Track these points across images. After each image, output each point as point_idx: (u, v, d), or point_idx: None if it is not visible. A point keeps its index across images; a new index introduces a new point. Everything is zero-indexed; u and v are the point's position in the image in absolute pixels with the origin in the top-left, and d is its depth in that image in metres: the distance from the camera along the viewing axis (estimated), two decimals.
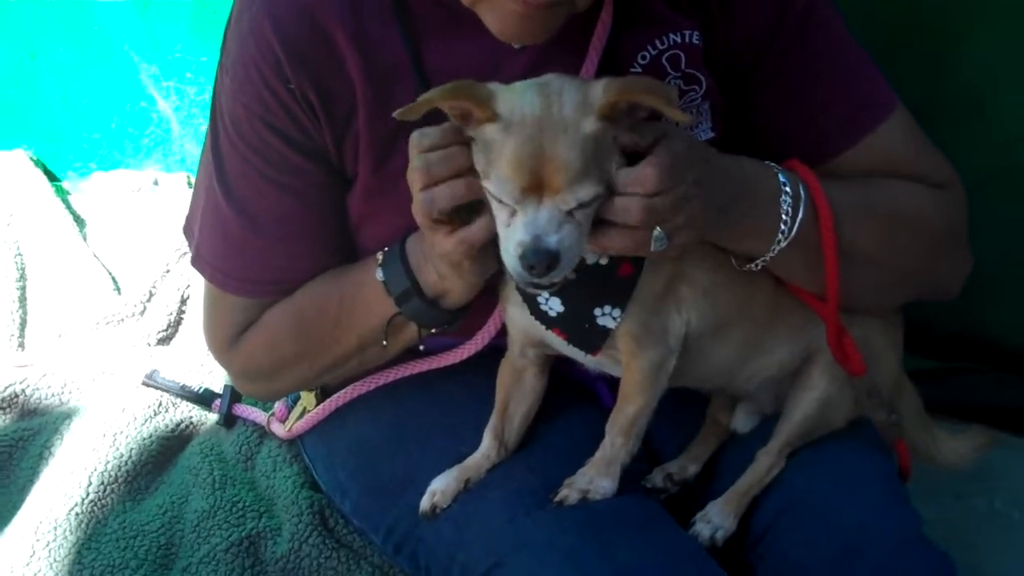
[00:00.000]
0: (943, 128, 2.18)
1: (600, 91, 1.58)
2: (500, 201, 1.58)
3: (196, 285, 2.86)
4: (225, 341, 2.06)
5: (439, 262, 1.76)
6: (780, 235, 1.79)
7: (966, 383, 2.81)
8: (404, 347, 1.99)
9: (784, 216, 1.78)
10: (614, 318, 1.78)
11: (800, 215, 1.79)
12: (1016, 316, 2.72)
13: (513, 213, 1.57)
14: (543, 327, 1.83)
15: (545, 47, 1.82)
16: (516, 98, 1.59)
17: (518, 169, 1.54)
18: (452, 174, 1.63)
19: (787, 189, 1.79)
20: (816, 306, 1.90)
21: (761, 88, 1.97)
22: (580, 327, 1.80)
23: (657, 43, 1.88)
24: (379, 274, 1.86)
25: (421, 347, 2.00)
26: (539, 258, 1.53)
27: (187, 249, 2.88)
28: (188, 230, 2.07)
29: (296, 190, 1.92)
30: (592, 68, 1.84)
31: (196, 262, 2.03)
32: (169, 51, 3.35)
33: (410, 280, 1.83)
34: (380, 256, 1.87)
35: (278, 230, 1.94)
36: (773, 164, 1.83)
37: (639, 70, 1.89)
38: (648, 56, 1.89)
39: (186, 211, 2.09)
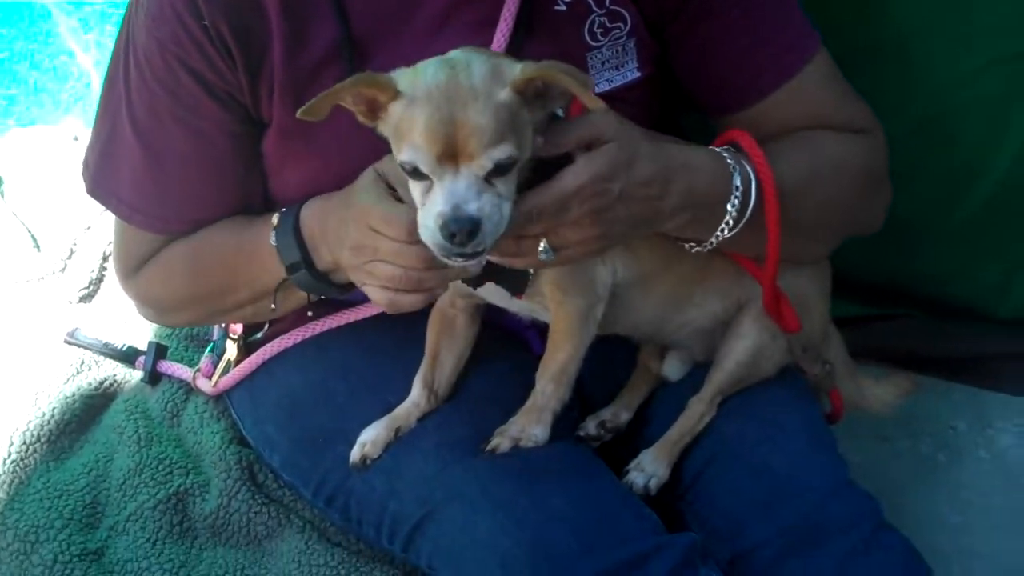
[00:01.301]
0: (873, 75, 2.20)
1: (517, 68, 1.56)
2: (415, 176, 1.55)
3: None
4: (128, 269, 2.07)
5: (353, 263, 1.73)
6: (723, 228, 1.78)
7: (891, 329, 2.84)
8: (294, 308, 1.99)
9: (729, 212, 1.77)
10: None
11: (749, 209, 1.78)
12: (944, 262, 2.75)
13: (429, 189, 1.54)
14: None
15: None
16: (418, 75, 1.56)
17: (430, 137, 1.51)
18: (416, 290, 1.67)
19: (737, 188, 1.77)
20: (752, 270, 1.90)
21: (689, 29, 1.95)
22: (503, 269, 1.76)
23: None
24: (272, 238, 1.84)
25: (309, 313, 2.01)
26: (460, 225, 1.50)
27: (95, 200, 2.86)
28: (85, 162, 2.05)
29: (203, 132, 1.89)
30: (513, 8, 1.82)
31: (96, 192, 2.02)
32: (89, 3, 3.28)
33: (301, 253, 1.81)
34: (275, 219, 1.84)
35: (182, 169, 1.93)
36: (725, 152, 1.80)
37: (563, 8, 1.87)
38: None
39: None
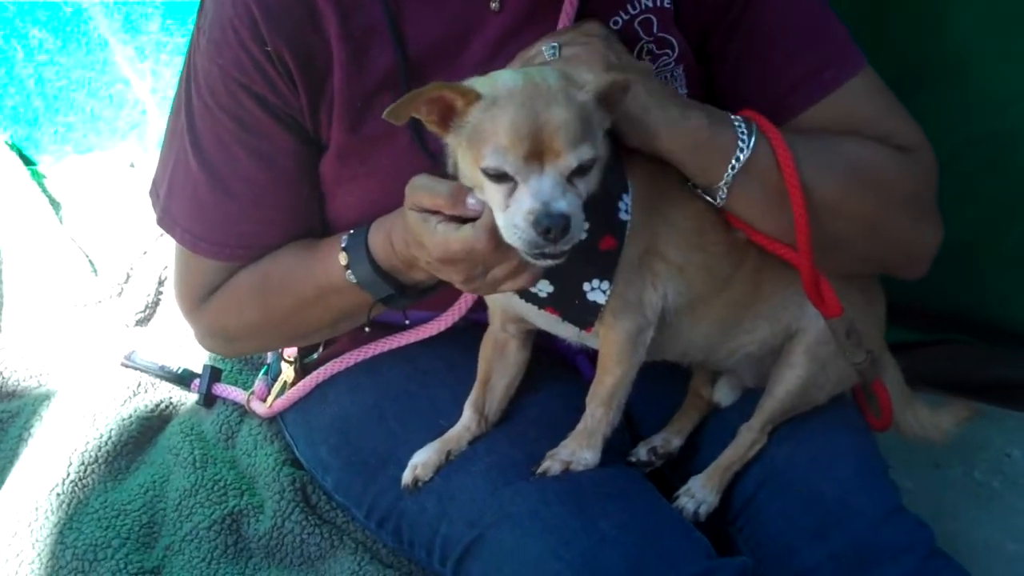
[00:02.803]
0: (928, 95, 2.18)
1: (588, 75, 1.60)
2: (497, 180, 1.57)
3: (173, 266, 2.83)
4: (194, 301, 2.07)
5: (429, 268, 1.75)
6: (736, 156, 1.79)
7: (946, 354, 2.82)
8: (352, 328, 2.03)
9: (740, 136, 1.79)
10: (603, 291, 1.78)
11: (752, 140, 1.80)
12: (999, 286, 2.72)
13: (511, 191, 1.56)
14: (536, 308, 1.83)
15: (518, 15, 1.82)
16: (496, 81, 1.60)
17: (516, 136, 1.54)
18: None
19: (737, 118, 1.81)
20: (788, 255, 1.89)
21: (726, 43, 1.96)
22: (571, 304, 1.80)
23: (629, 8, 1.89)
24: (351, 277, 1.85)
25: (407, 320, 2.02)
26: (554, 221, 1.52)
27: (162, 230, 2.90)
28: (154, 191, 2.06)
29: (267, 155, 1.91)
30: None
31: (164, 222, 2.03)
32: (145, 32, 3.33)
33: (389, 283, 1.84)
34: (344, 257, 1.85)
35: (248, 194, 1.94)
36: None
37: None
38: (620, 22, 1.89)
39: None
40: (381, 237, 1.82)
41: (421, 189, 1.64)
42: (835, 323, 1.92)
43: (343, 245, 1.86)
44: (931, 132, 2.04)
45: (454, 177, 1.68)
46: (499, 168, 1.55)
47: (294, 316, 2.00)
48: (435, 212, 1.64)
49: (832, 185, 1.87)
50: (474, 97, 1.58)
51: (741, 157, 1.79)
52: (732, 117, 1.81)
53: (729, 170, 1.79)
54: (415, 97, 1.57)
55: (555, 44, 1.72)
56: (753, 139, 1.80)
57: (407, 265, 1.80)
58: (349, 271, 1.85)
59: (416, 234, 1.67)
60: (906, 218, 1.99)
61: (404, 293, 1.86)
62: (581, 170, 1.57)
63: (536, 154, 1.54)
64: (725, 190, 1.80)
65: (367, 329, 2.00)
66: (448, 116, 1.61)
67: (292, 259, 1.98)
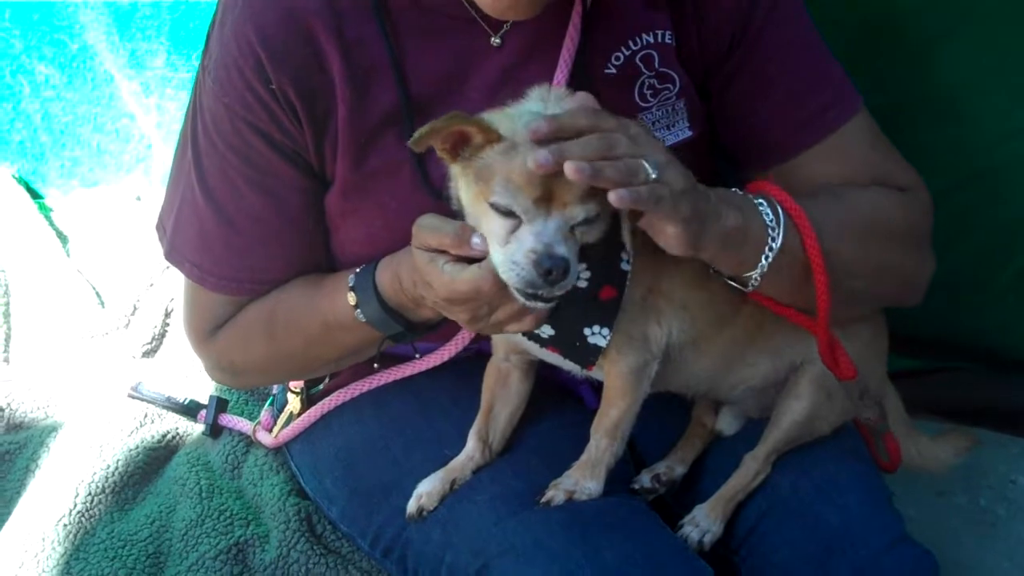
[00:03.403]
0: (923, 131, 2.20)
1: None
2: (503, 215, 1.60)
3: (179, 298, 2.83)
4: (202, 334, 2.09)
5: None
6: (768, 245, 1.77)
7: (949, 381, 2.82)
8: (359, 361, 2.05)
9: (769, 224, 1.78)
10: (604, 336, 1.80)
11: (782, 224, 1.79)
12: (998, 315, 2.73)
13: (513, 228, 1.60)
14: (537, 346, 1.85)
15: (519, 50, 1.85)
16: (515, 122, 1.63)
17: (530, 181, 1.57)
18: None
19: (761, 202, 1.79)
20: (805, 323, 1.89)
21: (729, 83, 1.99)
22: (572, 345, 1.81)
23: (631, 43, 1.91)
24: (360, 316, 1.87)
25: (416, 355, 2.03)
26: (555, 263, 1.56)
27: (170, 264, 2.91)
28: (160, 227, 2.08)
29: (273, 191, 1.93)
30: (565, 71, 1.87)
31: (171, 256, 2.05)
32: (150, 68, 3.35)
33: (398, 321, 1.85)
34: (352, 297, 1.86)
35: (254, 229, 1.96)
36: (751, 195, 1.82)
37: (613, 72, 1.92)
38: (622, 57, 1.91)
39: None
40: (389, 276, 1.83)
41: (427, 229, 1.67)
42: (850, 385, 1.95)
43: (351, 284, 1.88)
44: (928, 167, 2.07)
45: (458, 212, 1.70)
46: (508, 207, 1.59)
47: (300, 352, 2.02)
48: (442, 252, 1.66)
49: (849, 246, 1.89)
50: (495, 137, 1.61)
51: (775, 246, 1.78)
52: (756, 201, 1.79)
53: (763, 260, 1.78)
54: (439, 128, 1.60)
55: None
56: (782, 223, 1.78)
57: (415, 303, 1.81)
58: (358, 310, 1.87)
59: (423, 274, 1.69)
60: (910, 255, 2.03)
61: (412, 329, 1.88)
62: (585, 222, 1.61)
63: (545, 200, 1.58)
64: (758, 278, 1.80)
65: (376, 365, 2.01)
66: (460, 146, 1.64)
67: (298, 297, 1.99)
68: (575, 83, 1.86)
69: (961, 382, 2.83)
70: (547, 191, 1.58)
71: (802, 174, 1.98)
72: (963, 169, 2.50)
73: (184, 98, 3.36)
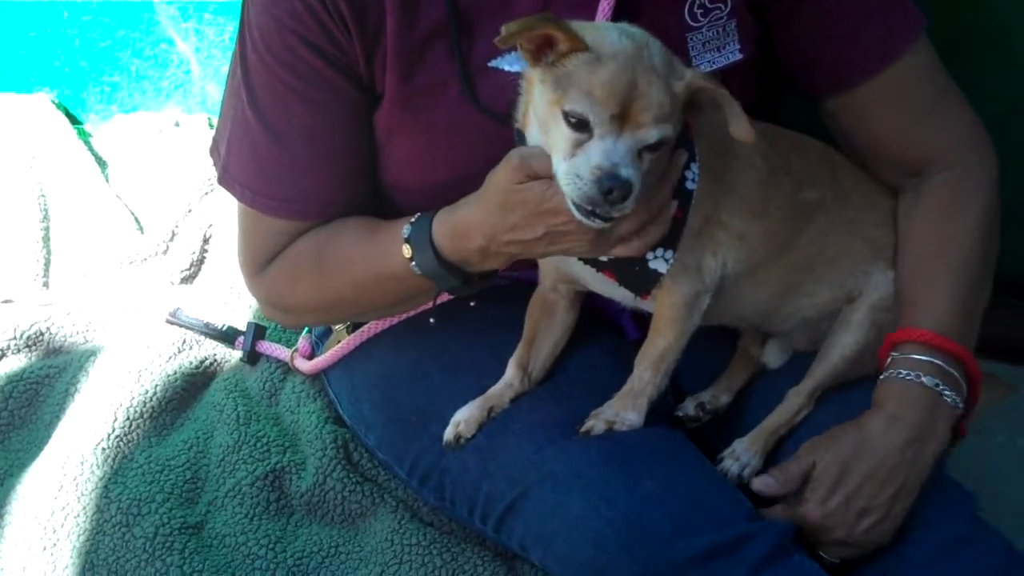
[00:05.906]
0: (978, 60, 2.15)
1: (687, 72, 1.63)
2: (573, 127, 1.57)
3: (218, 224, 2.86)
4: (254, 266, 2.06)
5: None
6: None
7: (985, 317, 2.77)
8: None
9: (955, 405, 1.90)
10: (666, 260, 1.77)
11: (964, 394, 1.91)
12: None
13: (582, 142, 1.57)
14: (593, 271, 1.81)
15: None
16: (603, 36, 1.61)
17: (611, 95, 1.55)
18: None
19: (948, 395, 1.89)
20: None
21: (793, 9, 1.93)
22: (631, 270, 1.78)
23: None
24: (415, 268, 1.83)
25: (472, 304, 1.97)
26: (619, 184, 1.54)
27: (209, 188, 2.90)
28: (215, 150, 2.05)
29: (325, 106, 1.90)
30: None
31: (224, 180, 2.02)
32: None
33: (455, 275, 1.82)
34: (408, 249, 1.82)
35: (305, 147, 1.93)
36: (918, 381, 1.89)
37: None
38: None
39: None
40: (447, 229, 1.79)
41: (531, 158, 1.64)
42: None
43: (405, 236, 1.83)
44: (976, 97, 2.02)
45: (517, 133, 1.68)
46: (583, 116, 1.56)
47: (351, 297, 1.99)
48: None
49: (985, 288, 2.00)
50: (581, 46, 1.58)
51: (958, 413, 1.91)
52: (945, 394, 1.89)
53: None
54: (529, 27, 1.58)
55: None
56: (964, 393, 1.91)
57: (481, 256, 1.77)
58: (413, 263, 1.83)
59: (544, 203, 1.64)
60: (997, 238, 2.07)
61: (468, 281, 1.85)
62: (655, 146, 1.58)
63: (622, 117, 1.56)
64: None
65: (432, 320, 1.95)
66: (544, 49, 1.61)
67: (350, 240, 1.96)
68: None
69: (997, 318, 2.78)
70: (624, 109, 1.55)
71: (871, 101, 1.96)
72: (1012, 101, 2.46)
73: (223, 23, 3.34)
